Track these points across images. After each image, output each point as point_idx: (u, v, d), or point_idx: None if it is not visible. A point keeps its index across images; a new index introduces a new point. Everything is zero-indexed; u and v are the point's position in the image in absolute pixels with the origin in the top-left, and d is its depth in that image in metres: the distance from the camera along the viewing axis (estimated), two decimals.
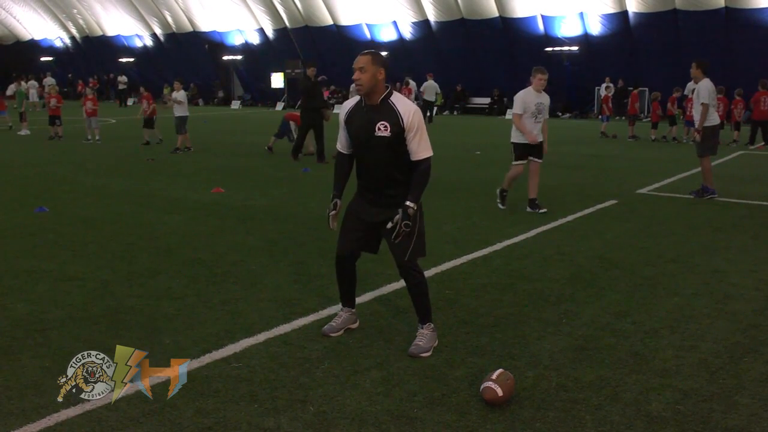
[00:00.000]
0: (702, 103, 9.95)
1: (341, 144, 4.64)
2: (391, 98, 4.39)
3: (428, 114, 28.00)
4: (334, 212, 4.56)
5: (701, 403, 3.72)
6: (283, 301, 5.38)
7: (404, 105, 4.37)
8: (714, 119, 10.20)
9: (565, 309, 5.26)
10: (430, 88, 28.50)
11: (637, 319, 5.05)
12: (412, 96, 29.79)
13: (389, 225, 4.32)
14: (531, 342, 4.59)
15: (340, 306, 4.84)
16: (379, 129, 4.34)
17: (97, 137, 18.78)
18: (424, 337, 4.42)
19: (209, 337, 4.62)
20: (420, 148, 4.35)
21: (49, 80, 40.68)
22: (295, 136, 15.45)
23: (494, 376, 3.69)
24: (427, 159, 4.38)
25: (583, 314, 5.14)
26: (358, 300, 5.11)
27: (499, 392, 3.63)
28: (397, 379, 4.02)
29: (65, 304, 5.29)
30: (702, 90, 10.03)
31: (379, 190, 4.46)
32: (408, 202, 4.29)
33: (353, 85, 4.54)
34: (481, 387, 3.70)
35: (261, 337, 4.63)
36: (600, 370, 4.14)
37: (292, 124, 16.14)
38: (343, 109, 4.59)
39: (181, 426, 3.45)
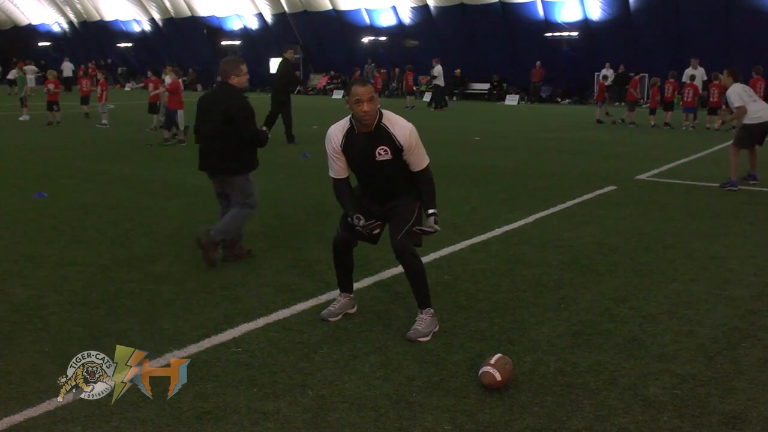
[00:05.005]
0: (737, 107, 9.85)
1: (335, 172, 4.56)
2: (383, 121, 4.34)
3: (444, 100, 27.41)
4: (363, 222, 4.42)
5: (699, 388, 3.74)
6: (282, 287, 5.39)
7: (399, 128, 4.34)
8: (755, 118, 9.85)
9: (564, 294, 5.27)
10: (440, 72, 27.78)
11: (635, 304, 5.06)
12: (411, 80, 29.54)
13: (416, 228, 4.43)
14: (529, 327, 4.60)
15: (338, 291, 4.84)
16: (379, 154, 4.37)
17: (104, 121, 19.08)
18: (423, 322, 4.43)
19: (208, 322, 4.63)
20: (420, 159, 4.44)
21: (67, 65, 40.55)
22: (162, 121, 14.72)
23: (493, 361, 3.70)
24: (428, 167, 4.49)
25: (581, 299, 5.15)
26: (358, 285, 5.13)
27: (498, 377, 3.65)
28: (395, 363, 4.03)
29: (65, 289, 5.30)
30: (731, 96, 9.94)
31: (386, 195, 4.55)
32: (429, 210, 4.46)
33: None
34: (480, 371, 3.72)
35: (260, 322, 4.64)
36: (598, 355, 4.15)
37: (180, 112, 14.90)
38: (332, 139, 4.47)
39: (180, 410, 3.46)
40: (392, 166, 4.40)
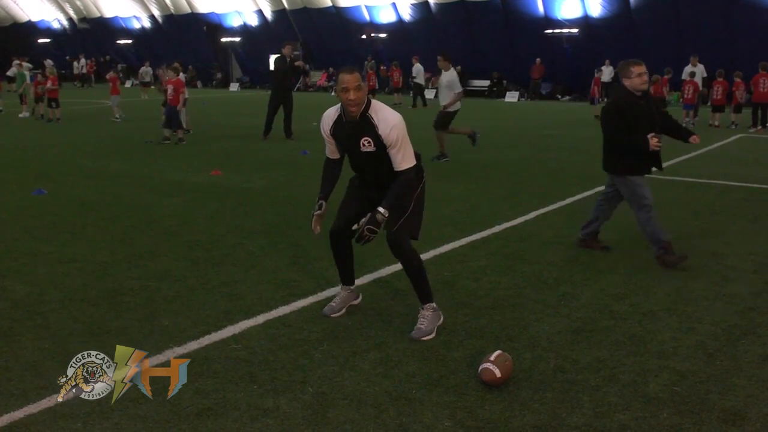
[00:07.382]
0: (458, 92, 11.89)
1: (328, 151, 4.58)
2: (369, 111, 4.26)
3: (420, 97, 27.46)
4: (319, 212, 4.45)
5: (698, 385, 3.75)
6: (281, 283, 5.40)
7: (383, 120, 4.23)
8: (456, 106, 11.94)
9: (564, 291, 5.27)
10: (420, 71, 27.76)
11: (635, 301, 5.06)
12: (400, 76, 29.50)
13: (354, 226, 4.32)
14: (529, 324, 4.61)
15: (338, 288, 4.85)
16: (363, 145, 4.30)
17: (116, 115, 19.54)
18: (426, 319, 4.41)
19: (208, 319, 4.63)
20: (401, 159, 4.28)
21: (81, 62, 41.04)
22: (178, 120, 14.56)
23: (492, 358, 3.71)
24: (409, 169, 4.30)
25: (581, 296, 5.16)
26: (357, 282, 5.12)
27: (498, 373, 3.65)
28: (395, 360, 4.03)
29: (64, 286, 5.30)
30: (453, 81, 11.91)
31: (380, 184, 4.47)
32: (379, 208, 4.23)
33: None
34: (480, 368, 3.72)
35: (260, 319, 4.65)
36: (598, 352, 4.16)
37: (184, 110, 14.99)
38: (324, 123, 4.48)
39: (180, 407, 3.47)
40: (378, 158, 4.30)
